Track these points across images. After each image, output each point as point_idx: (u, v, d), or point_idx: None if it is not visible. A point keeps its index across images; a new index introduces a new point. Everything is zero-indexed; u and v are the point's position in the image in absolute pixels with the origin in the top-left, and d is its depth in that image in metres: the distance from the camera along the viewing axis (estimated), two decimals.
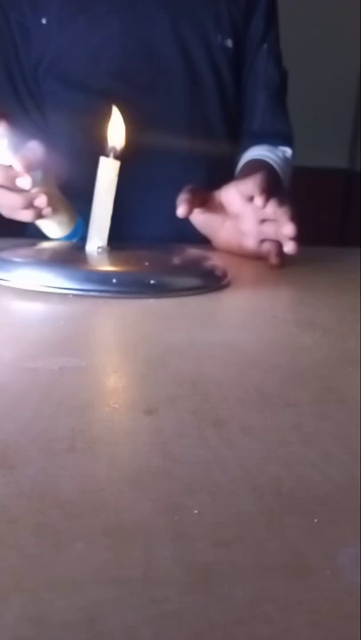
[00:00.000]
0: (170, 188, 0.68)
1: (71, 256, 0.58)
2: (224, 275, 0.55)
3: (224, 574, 0.16)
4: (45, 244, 0.64)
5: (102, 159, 0.57)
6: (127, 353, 0.36)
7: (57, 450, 0.23)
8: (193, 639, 0.14)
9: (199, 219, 0.71)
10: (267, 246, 0.66)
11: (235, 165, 0.91)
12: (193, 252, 0.62)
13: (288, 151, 0.91)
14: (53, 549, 0.17)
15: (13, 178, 0.58)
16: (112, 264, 0.56)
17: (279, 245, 0.64)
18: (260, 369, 0.33)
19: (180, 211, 0.63)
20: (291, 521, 0.19)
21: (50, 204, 0.61)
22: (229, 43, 0.84)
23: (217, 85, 0.85)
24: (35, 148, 0.58)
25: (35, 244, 0.62)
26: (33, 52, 0.82)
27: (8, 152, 0.57)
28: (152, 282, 0.49)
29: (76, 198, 0.70)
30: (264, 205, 0.61)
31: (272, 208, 0.62)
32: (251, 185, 0.62)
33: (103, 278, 0.48)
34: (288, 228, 0.59)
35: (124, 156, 0.57)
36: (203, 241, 0.75)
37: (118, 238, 0.59)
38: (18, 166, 0.57)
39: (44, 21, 0.80)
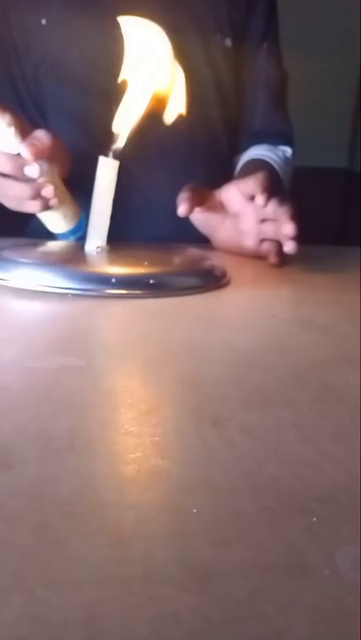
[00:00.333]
0: (169, 188, 0.68)
1: (70, 256, 0.58)
2: (223, 274, 0.55)
3: (223, 573, 0.16)
4: (45, 244, 0.64)
5: (101, 159, 0.57)
6: (126, 352, 0.36)
7: (56, 449, 0.23)
8: (192, 638, 0.14)
9: (199, 218, 0.71)
10: (266, 246, 0.66)
11: (234, 165, 0.91)
12: (192, 251, 0.62)
13: (288, 150, 0.91)
14: (52, 548, 0.17)
15: (21, 166, 0.57)
16: (111, 264, 0.56)
17: (279, 245, 0.64)
18: (260, 368, 0.33)
19: (181, 210, 0.63)
20: (290, 520, 0.19)
21: (56, 195, 0.61)
22: (229, 42, 0.84)
23: (216, 85, 0.85)
24: (42, 137, 0.58)
25: (34, 244, 0.62)
26: (33, 52, 0.81)
27: (15, 141, 0.57)
28: (151, 281, 0.49)
29: (75, 198, 0.70)
30: (265, 204, 0.61)
31: (273, 207, 0.62)
32: (252, 184, 0.62)
33: (102, 278, 0.48)
34: (289, 228, 0.59)
35: (123, 156, 0.57)
36: (202, 241, 0.75)
37: (117, 238, 0.59)
38: (26, 154, 0.56)
39: (43, 22, 0.80)
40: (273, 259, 0.65)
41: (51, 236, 0.70)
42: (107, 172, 0.57)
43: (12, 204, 0.62)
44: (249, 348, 0.37)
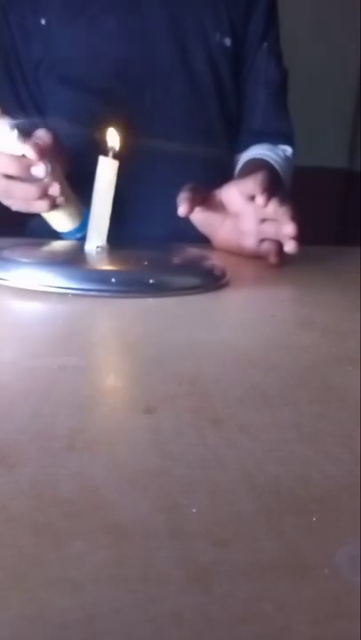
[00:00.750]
0: (169, 188, 0.68)
1: (70, 255, 0.58)
2: (223, 274, 0.55)
3: (223, 573, 0.16)
4: (45, 244, 0.64)
5: (101, 159, 0.57)
6: (126, 352, 0.36)
7: (56, 449, 0.23)
8: (192, 638, 0.14)
9: (199, 217, 0.71)
10: (266, 246, 0.66)
11: (234, 164, 0.91)
12: (192, 251, 0.62)
13: (289, 150, 0.91)
14: (52, 548, 0.17)
15: (27, 167, 0.57)
16: (111, 263, 0.56)
17: (278, 245, 0.64)
18: (260, 368, 0.33)
19: (181, 209, 0.63)
20: (290, 520, 0.19)
21: (61, 193, 0.61)
22: (228, 41, 0.84)
23: (216, 84, 0.85)
24: (44, 136, 0.58)
25: (34, 244, 0.62)
26: (33, 52, 0.82)
27: (19, 143, 0.57)
28: (151, 281, 0.49)
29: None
30: (265, 204, 0.61)
31: (273, 207, 0.62)
32: (252, 184, 0.62)
33: (102, 278, 0.48)
34: (289, 228, 0.59)
35: (123, 156, 0.57)
36: (202, 240, 0.75)
37: (117, 238, 0.59)
38: (31, 154, 0.56)
39: (43, 22, 0.80)
40: (273, 259, 0.65)
41: (51, 236, 0.70)
42: (107, 171, 0.57)
43: (19, 206, 0.62)
44: (249, 348, 0.37)
